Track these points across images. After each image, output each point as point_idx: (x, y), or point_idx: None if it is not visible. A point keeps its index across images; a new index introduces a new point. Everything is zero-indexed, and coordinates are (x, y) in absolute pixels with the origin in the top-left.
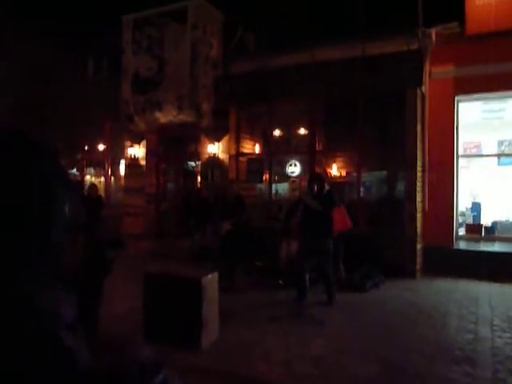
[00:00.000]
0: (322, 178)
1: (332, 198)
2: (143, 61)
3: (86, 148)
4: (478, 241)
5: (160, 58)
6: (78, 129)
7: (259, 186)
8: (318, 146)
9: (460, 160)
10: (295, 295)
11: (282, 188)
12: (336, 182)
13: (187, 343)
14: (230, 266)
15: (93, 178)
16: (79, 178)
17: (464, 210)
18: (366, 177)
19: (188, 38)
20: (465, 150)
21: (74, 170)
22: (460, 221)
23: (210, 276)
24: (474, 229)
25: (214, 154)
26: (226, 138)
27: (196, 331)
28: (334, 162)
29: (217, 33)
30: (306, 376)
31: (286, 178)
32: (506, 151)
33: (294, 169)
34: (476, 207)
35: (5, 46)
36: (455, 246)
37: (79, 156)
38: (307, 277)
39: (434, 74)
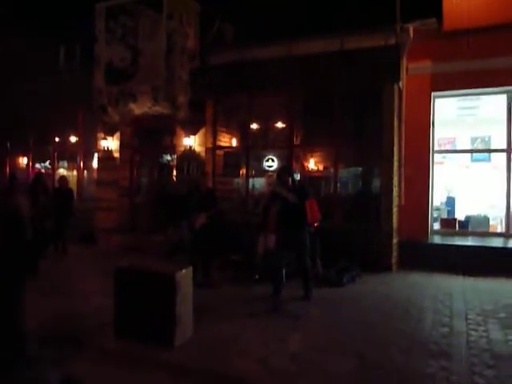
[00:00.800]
0: (292, 170)
1: (305, 189)
2: (117, 50)
3: (58, 140)
4: (452, 235)
5: (134, 47)
6: (49, 120)
7: (236, 180)
8: (296, 140)
9: (435, 155)
10: (271, 290)
11: (259, 182)
12: (313, 177)
13: (160, 340)
14: (204, 261)
15: (65, 172)
16: (51, 172)
17: (439, 204)
18: (343, 171)
19: (163, 27)
20: (439, 145)
21: (47, 163)
22: (435, 215)
23: (183, 271)
24: (449, 223)
25: (190, 147)
26: (202, 131)
27: (169, 328)
28: (312, 156)
29: (193, 23)
30: (283, 372)
31: (263, 172)
32: (479, 147)
33: (272, 163)
34: (450, 202)
35: None
36: (430, 241)
37: (50, 148)
38: (283, 271)
39: (411, 69)
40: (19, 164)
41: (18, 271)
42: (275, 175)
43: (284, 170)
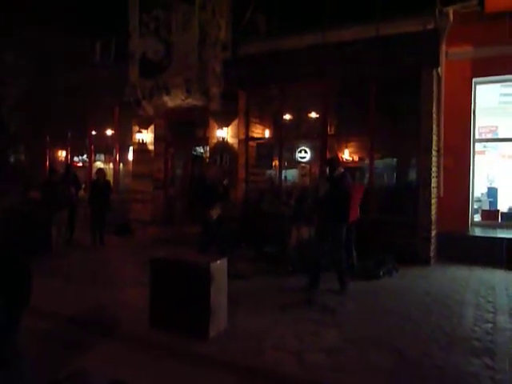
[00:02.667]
0: (332, 160)
1: (341, 181)
2: (150, 44)
3: (95, 133)
4: (494, 227)
5: (167, 40)
6: (86, 113)
7: (269, 171)
8: (330, 130)
9: (476, 144)
10: (306, 282)
11: (292, 174)
12: (348, 168)
13: (195, 331)
14: (223, 251)
15: (102, 164)
16: (88, 164)
17: (480, 195)
18: (379, 162)
19: (196, 19)
20: (480, 134)
21: (84, 157)
22: (475, 207)
23: (218, 262)
24: (490, 215)
25: (223, 139)
26: (235, 123)
27: (204, 319)
28: (346, 146)
29: (225, 14)
30: (318, 367)
31: (296, 163)
32: None
33: (304, 154)
34: (492, 193)
35: (12, 34)
36: (470, 233)
37: (87, 141)
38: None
39: (451, 55)
40: (58, 157)
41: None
42: (308, 167)
43: (325, 161)
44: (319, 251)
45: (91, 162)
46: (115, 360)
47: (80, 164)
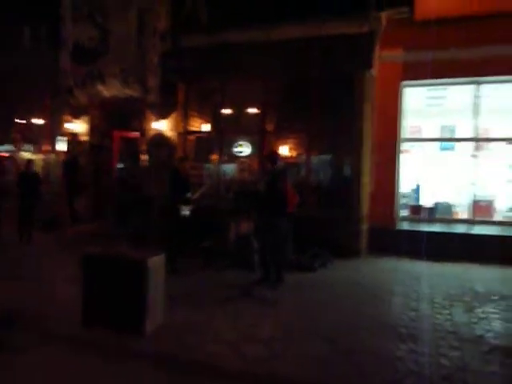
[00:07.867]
0: (273, 155)
1: (278, 176)
2: (84, 29)
3: (23, 122)
4: (419, 222)
5: (103, 27)
6: (13, 102)
7: (207, 165)
8: (269, 127)
9: (405, 143)
10: (244, 276)
11: (231, 168)
12: (286, 164)
13: (131, 328)
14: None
15: (30, 155)
16: (15, 155)
17: (409, 191)
18: (316, 158)
19: (134, 6)
20: (407, 134)
21: (11, 147)
22: (404, 202)
23: (155, 257)
24: (417, 210)
25: (161, 132)
26: (173, 115)
27: (140, 315)
28: (285, 143)
29: (165, 3)
30: (256, 357)
31: (235, 158)
32: (446, 137)
33: (243, 149)
34: (418, 189)
35: None
36: (398, 227)
37: (15, 131)
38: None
39: (384, 57)
40: None
41: None
42: (247, 161)
43: (266, 157)
44: (265, 246)
45: (18, 152)
46: (44, 364)
47: (6, 154)
